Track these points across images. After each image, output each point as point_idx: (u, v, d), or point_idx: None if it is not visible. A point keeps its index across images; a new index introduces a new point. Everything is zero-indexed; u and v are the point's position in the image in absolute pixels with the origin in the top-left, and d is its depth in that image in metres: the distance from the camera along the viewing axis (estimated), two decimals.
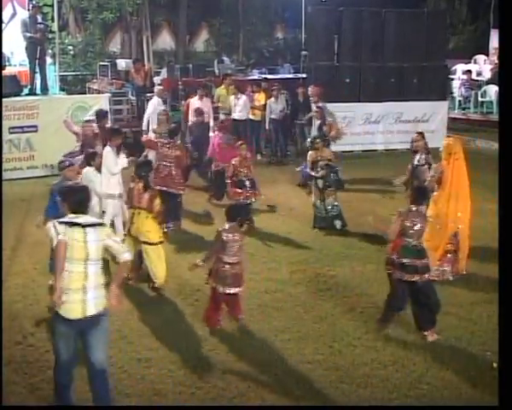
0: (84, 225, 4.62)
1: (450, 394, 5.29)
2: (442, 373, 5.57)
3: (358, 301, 6.97)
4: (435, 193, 7.43)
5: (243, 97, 14.04)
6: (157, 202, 7.33)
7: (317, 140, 9.75)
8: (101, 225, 4.89)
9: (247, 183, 9.40)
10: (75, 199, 4.78)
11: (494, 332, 5.44)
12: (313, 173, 9.40)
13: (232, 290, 6.28)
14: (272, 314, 6.66)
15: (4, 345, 5.76)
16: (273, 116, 14.10)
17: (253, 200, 9.46)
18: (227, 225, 6.32)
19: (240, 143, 9.83)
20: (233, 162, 9.40)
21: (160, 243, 7.36)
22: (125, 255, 4.83)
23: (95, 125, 10.01)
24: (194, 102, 13.04)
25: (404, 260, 6.05)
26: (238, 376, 5.53)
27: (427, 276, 6.10)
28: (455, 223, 7.32)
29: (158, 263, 7.28)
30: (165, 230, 8.59)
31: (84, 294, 4.58)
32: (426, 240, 6.76)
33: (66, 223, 4.61)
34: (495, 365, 5.51)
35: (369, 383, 5.42)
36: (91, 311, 4.60)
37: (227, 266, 6.23)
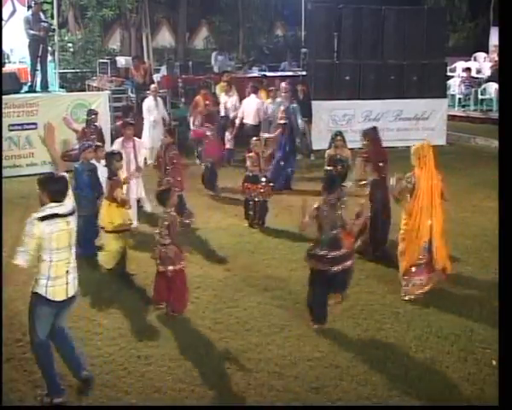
0: (65, 215, 4.86)
1: (450, 392, 5.29)
2: (442, 371, 5.57)
3: (358, 299, 6.97)
4: (408, 204, 6.89)
5: (234, 97, 13.87)
6: (119, 190, 7.66)
7: (339, 137, 9.02)
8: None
9: (263, 179, 9.29)
10: (56, 188, 4.88)
11: (494, 330, 5.44)
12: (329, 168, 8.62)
13: (161, 269, 6.55)
14: (272, 312, 6.66)
15: (4, 343, 5.76)
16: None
17: (267, 198, 9.26)
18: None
19: (254, 139, 9.79)
20: (248, 157, 9.46)
21: (114, 231, 7.56)
22: None
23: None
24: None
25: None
26: (238, 374, 5.53)
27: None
28: (426, 235, 6.82)
29: (105, 249, 7.73)
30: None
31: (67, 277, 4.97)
32: (401, 254, 6.95)
33: (48, 216, 4.77)
34: (494, 362, 5.52)
35: (368, 381, 5.42)
36: (71, 292, 5.03)
37: (159, 247, 6.56)
